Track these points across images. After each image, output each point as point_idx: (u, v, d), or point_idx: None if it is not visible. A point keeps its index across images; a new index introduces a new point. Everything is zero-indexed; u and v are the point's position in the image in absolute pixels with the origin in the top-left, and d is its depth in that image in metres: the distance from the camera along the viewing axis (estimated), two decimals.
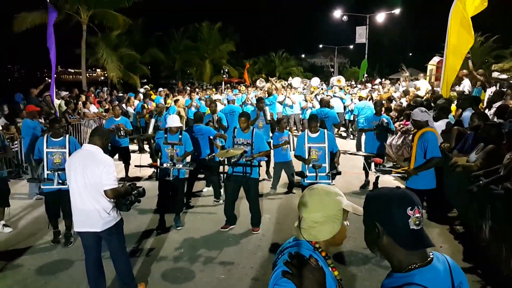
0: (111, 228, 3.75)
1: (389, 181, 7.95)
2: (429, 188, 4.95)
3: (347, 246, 5.19)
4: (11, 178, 8.28)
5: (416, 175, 4.86)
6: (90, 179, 3.59)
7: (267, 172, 8.54)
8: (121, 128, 8.09)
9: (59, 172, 5.09)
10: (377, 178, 7.21)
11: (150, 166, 6.31)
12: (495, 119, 6.65)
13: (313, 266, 1.46)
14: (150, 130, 7.08)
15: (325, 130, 5.69)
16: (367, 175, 7.91)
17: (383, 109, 8.61)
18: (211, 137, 6.88)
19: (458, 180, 5.48)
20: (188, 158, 6.34)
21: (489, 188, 4.40)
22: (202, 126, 7.09)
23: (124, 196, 3.78)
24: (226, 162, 5.63)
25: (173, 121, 5.90)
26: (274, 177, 7.77)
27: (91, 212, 3.65)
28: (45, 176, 5.24)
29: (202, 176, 7.91)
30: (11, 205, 6.09)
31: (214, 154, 6.09)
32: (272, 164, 8.00)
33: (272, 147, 7.28)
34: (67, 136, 5.41)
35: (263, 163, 8.11)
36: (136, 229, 5.84)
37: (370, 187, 7.76)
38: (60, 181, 5.10)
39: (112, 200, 3.71)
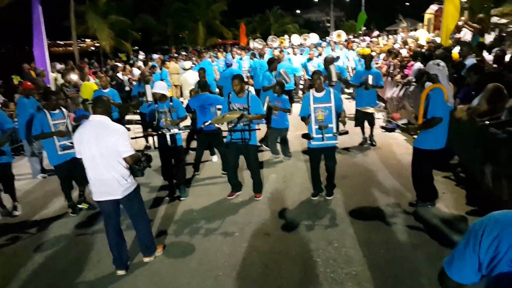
0: (131, 193, 3.87)
1: (390, 136, 8.01)
2: (439, 148, 4.69)
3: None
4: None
5: (416, 134, 4.73)
6: (107, 149, 3.65)
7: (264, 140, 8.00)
8: None
9: (70, 141, 5.21)
10: (371, 135, 7.51)
11: (145, 135, 6.23)
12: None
13: None
14: (149, 98, 6.89)
15: (331, 89, 5.41)
16: (363, 132, 7.70)
17: (373, 63, 8.38)
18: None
19: (459, 128, 5.49)
20: (185, 122, 6.11)
21: (493, 133, 4.48)
22: (209, 94, 6.68)
23: (137, 162, 3.88)
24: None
25: (159, 87, 5.70)
26: (271, 144, 7.38)
27: (110, 180, 3.73)
28: (57, 147, 5.35)
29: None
30: (18, 186, 6.09)
31: (210, 121, 5.81)
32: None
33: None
34: (62, 108, 5.60)
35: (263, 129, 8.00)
36: (148, 196, 5.97)
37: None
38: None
39: (127, 166, 3.80)
